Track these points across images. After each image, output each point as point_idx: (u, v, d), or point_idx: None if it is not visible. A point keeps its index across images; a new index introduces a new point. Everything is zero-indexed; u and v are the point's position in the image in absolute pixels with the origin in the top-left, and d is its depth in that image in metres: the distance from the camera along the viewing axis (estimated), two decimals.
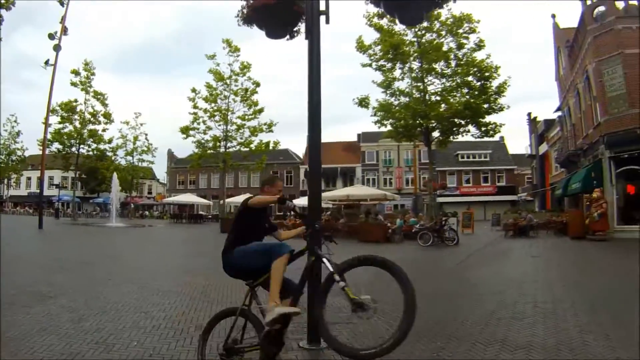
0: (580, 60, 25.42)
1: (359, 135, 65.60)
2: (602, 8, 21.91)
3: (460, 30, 25.18)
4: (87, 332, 5.40)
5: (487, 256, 16.98)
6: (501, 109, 25.69)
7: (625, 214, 21.72)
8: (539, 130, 47.14)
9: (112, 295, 7.78)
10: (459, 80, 25.70)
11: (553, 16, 31.27)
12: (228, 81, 37.68)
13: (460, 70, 25.42)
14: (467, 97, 25.37)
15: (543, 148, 46.12)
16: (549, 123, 43.40)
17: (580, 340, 5.37)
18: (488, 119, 26.13)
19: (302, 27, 5.58)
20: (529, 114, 51.37)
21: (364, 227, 23.44)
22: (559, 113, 37.17)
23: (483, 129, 26.31)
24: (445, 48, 25.63)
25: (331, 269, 3.42)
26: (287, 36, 5.72)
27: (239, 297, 7.74)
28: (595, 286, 9.67)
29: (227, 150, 38.05)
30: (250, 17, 5.55)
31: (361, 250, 19.08)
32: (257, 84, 38.20)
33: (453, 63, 25.85)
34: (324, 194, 37.69)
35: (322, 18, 5.19)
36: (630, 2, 21.63)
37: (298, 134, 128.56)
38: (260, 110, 38.06)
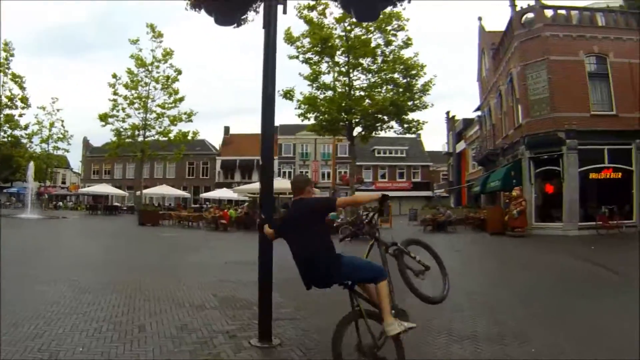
0: (505, 63, 26.36)
1: (276, 127, 64.82)
2: (531, 15, 22.80)
3: (389, 28, 25.37)
4: (27, 339, 5.03)
5: (411, 250, 17.30)
6: (425, 106, 26.35)
7: (543, 212, 22.88)
8: (457, 128, 48.85)
9: (43, 295, 7.23)
10: (385, 77, 26.01)
11: (479, 19, 32.37)
12: (150, 68, 36.26)
13: (386, 67, 25.69)
14: (392, 93, 25.71)
15: (460, 146, 47.80)
16: (468, 122, 45.06)
17: (519, 329, 5.79)
18: (411, 116, 26.74)
19: (249, 15, 5.51)
20: (447, 113, 53.15)
21: None
22: (479, 113, 38.62)
23: (406, 125, 26.85)
24: (373, 44, 25.84)
25: (405, 249, 4.51)
26: (235, 24, 5.60)
27: (178, 293, 7.87)
28: (523, 278, 10.29)
29: (146, 139, 36.66)
30: (200, 1, 5.32)
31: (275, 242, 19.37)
32: (179, 72, 37.07)
33: (380, 59, 26.07)
34: (244, 187, 37.27)
35: (280, 8, 5.12)
36: (558, 12, 22.71)
37: (214, 124, 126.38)
38: (181, 99, 37.03)
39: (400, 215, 48.35)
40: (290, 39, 26.00)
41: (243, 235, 23.40)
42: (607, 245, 16.99)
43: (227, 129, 67.37)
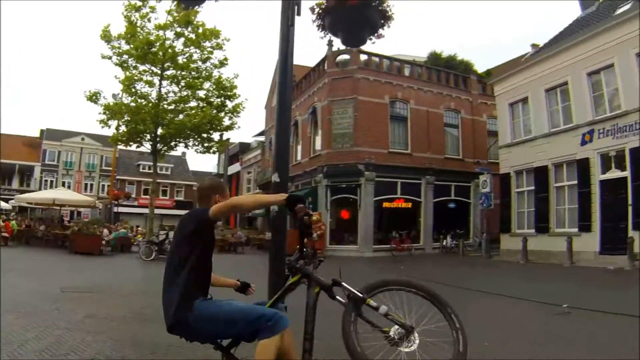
0: (308, 95, 28.27)
1: (42, 131, 57.33)
2: (346, 57, 25.07)
3: (207, 44, 25.03)
4: None
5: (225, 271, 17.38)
6: (232, 127, 26.54)
7: (337, 236, 25.04)
8: (231, 151, 49.82)
9: None
10: (196, 93, 25.47)
11: None
12: None
13: (198, 83, 25.19)
14: (206, 111, 25.04)
15: (234, 168, 48.72)
16: (245, 146, 46.43)
17: None
18: (216, 136, 26.64)
19: None
20: (221, 135, 53.69)
21: (76, 237, 21.20)
22: (261, 138, 40.32)
23: (206, 144, 26.48)
24: (191, 58, 25.09)
25: (362, 295, 2.89)
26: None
27: (71, 342, 5.44)
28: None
29: None
30: None
31: (79, 262, 17.49)
32: None
33: (192, 74, 25.32)
34: (20, 196, 32.37)
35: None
36: (372, 58, 25.44)
37: None
38: None
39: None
40: (106, 37, 23.60)
41: (29, 251, 20.40)
42: (412, 263, 19.58)
43: None
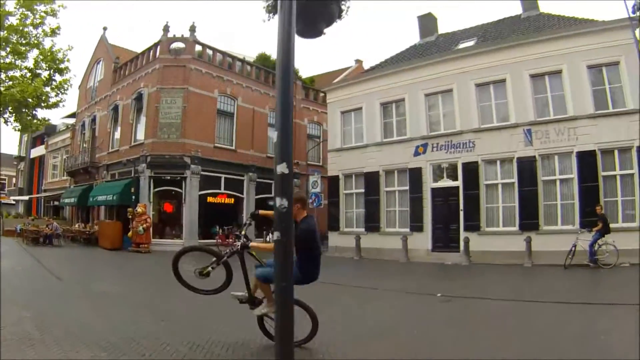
0: (133, 80, 26.65)
1: None
2: (180, 45, 24.29)
3: (41, 8, 22.26)
4: None
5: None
6: (57, 105, 24.21)
7: (159, 229, 24.30)
8: (35, 132, 45.21)
9: None
10: (20, 63, 22.64)
11: (104, 29, 31.52)
12: None
13: (24, 50, 22.42)
14: (38, 84, 22.40)
15: (38, 152, 44.32)
16: (51, 128, 42.39)
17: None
18: (42, 113, 24.16)
19: None
20: (30, 111, 48.59)
21: None
22: (71, 120, 37.23)
23: (25, 122, 23.89)
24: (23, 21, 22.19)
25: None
26: None
27: None
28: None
29: None
30: None
31: None
32: None
33: (21, 40, 22.44)
34: None
35: None
36: (206, 50, 24.96)
37: None
38: None
39: None
40: None
41: None
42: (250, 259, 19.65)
43: None
